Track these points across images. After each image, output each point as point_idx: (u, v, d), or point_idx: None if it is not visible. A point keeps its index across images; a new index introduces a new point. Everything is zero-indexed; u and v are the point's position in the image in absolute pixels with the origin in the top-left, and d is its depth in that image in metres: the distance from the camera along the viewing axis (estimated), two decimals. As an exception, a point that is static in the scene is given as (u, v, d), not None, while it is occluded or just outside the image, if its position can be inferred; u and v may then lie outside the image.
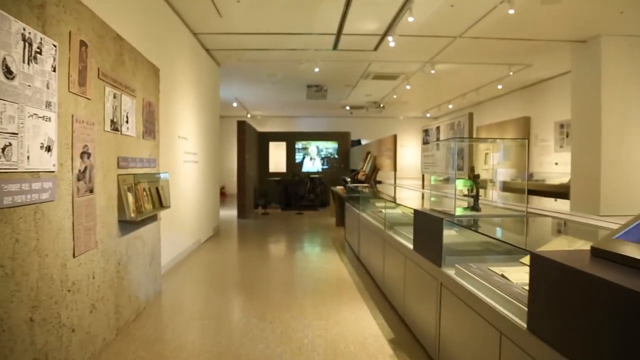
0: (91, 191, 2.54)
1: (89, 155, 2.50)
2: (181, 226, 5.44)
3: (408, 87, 9.08)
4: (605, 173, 5.80)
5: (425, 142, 5.22)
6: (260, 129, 13.28)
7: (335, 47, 6.76)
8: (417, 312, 2.94)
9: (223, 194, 16.50)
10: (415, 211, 3.02)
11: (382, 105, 12.19)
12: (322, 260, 5.49)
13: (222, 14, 5.37)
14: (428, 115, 14.46)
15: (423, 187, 5.49)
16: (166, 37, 4.97)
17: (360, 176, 8.09)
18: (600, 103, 6.06)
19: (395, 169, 6.89)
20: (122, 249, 3.13)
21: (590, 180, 6.05)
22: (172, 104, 5.12)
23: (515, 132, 9.86)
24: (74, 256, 2.37)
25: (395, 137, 6.88)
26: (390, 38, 5.77)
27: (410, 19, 4.92)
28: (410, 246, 3.12)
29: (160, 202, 3.83)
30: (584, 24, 5.81)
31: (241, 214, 9.65)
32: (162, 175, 4.02)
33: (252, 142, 11.28)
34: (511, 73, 7.82)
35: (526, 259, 2.46)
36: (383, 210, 4.87)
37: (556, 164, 8.90)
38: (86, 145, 2.47)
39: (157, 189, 3.80)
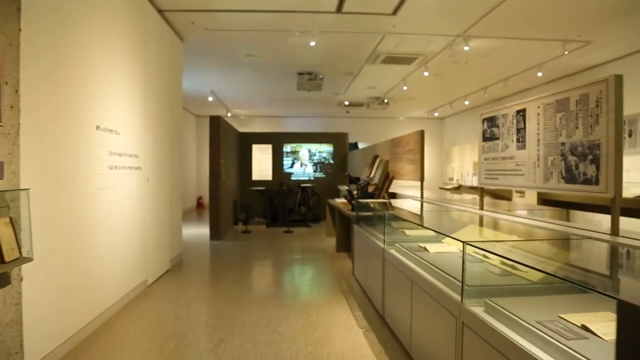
0: None
1: None
2: (100, 271, 3.42)
3: (426, 73, 7.20)
4: None
5: (489, 138, 3.32)
6: (243, 130, 11.30)
7: (339, 7, 4.84)
8: None
9: (200, 204, 14.42)
10: None
11: (386, 101, 10.32)
12: (325, 323, 3.51)
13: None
14: (436, 114, 12.65)
15: (482, 207, 3.58)
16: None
17: (369, 187, 6.16)
18: None
19: (422, 179, 4.98)
20: None
21: None
22: (82, 73, 3.12)
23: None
24: None
25: (422, 133, 4.97)
26: (426, -17, 3.89)
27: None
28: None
29: (-1, 254, 1.83)
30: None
31: (215, 234, 7.61)
32: (20, 197, 2.01)
33: (231, 144, 9.28)
34: (566, 52, 6.00)
35: None
36: (431, 250, 2.95)
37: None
38: None
39: (-11, 226, 1.80)
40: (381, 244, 3.54)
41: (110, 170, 3.59)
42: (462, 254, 2.80)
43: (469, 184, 11.12)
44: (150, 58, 4.63)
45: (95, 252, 3.31)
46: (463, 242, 2.01)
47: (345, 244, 6.38)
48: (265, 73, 8.00)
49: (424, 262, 2.72)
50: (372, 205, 4.75)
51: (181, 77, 6.08)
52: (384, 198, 5.98)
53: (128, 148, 4.00)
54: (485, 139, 3.45)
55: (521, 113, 2.92)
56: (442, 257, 2.86)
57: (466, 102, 10.27)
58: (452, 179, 12.45)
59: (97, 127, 3.34)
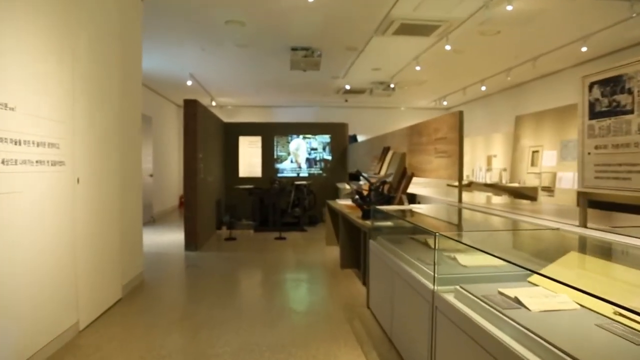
0: None
1: None
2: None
3: (448, 47, 5.90)
4: None
5: (605, 113, 2.04)
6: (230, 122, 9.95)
7: (350, -60, 3.51)
8: None
9: (183, 203, 13.05)
10: None
11: (392, 86, 9.01)
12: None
13: None
14: (445, 103, 11.37)
15: (585, 223, 2.30)
16: None
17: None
18: None
19: (461, 177, 3.69)
20: None
21: None
22: None
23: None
24: None
25: (460, 115, 3.68)
26: None
27: None
28: None
29: None
30: None
31: (190, 243, 6.27)
32: None
33: (213, 136, 7.93)
34: (634, 15, 4.73)
35: None
36: (532, 306, 1.62)
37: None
38: None
39: None
40: (428, 283, 2.24)
41: (5, 168, 2.24)
42: (593, 315, 1.51)
43: (481, 180, 9.95)
44: (85, 8, 3.26)
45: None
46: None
47: (352, 259, 5.08)
48: (252, 49, 6.64)
49: (528, 332, 1.43)
50: (394, 213, 3.46)
51: (140, 44, 4.71)
52: (401, 201, 4.70)
53: (36, 133, 2.64)
54: (595, 115, 2.16)
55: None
56: (558, 321, 1.58)
57: (483, 88, 9.00)
58: (461, 175, 11.26)
59: (-44, 95, 1.99)
